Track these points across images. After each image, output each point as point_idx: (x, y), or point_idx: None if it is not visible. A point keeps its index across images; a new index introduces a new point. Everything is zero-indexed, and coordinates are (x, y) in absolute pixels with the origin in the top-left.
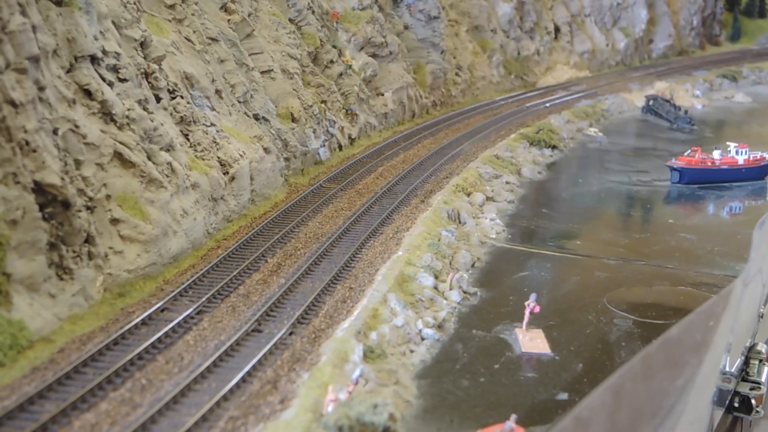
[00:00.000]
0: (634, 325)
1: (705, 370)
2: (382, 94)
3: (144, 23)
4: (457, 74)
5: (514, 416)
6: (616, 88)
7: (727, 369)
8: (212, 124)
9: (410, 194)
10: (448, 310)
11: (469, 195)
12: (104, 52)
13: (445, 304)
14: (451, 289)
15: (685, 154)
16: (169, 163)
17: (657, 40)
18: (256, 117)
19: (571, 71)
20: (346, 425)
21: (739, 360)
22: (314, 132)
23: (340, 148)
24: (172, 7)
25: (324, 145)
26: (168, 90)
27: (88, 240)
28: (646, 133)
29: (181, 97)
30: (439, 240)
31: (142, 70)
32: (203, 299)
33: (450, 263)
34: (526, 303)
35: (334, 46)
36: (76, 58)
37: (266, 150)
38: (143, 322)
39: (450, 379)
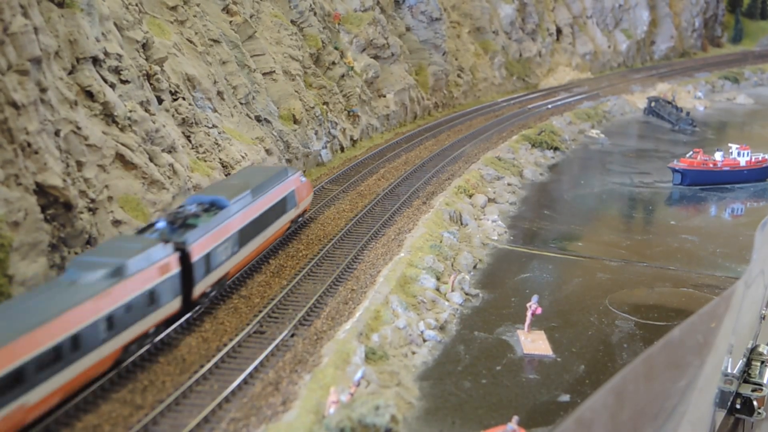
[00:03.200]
0: (636, 327)
1: (707, 372)
2: (384, 96)
3: (146, 25)
4: (458, 76)
5: (516, 418)
6: (617, 90)
7: (729, 370)
8: (214, 126)
9: (412, 196)
10: (449, 311)
11: (470, 196)
12: (106, 53)
13: (446, 305)
14: (452, 290)
15: (687, 155)
16: (171, 165)
17: (659, 42)
18: (257, 118)
19: (572, 73)
20: (347, 427)
21: (740, 361)
22: (316, 133)
23: (342, 149)
24: (174, 8)
25: (326, 147)
26: (170, 91)
27: (90, 241)
28: (648, 134)
29: (183, 98)
30: (440, 241)
31: (144, 72)
32: (205, 301)
33: (452, 265)
34: (527, 304)
35: (336, 48)
36: (77, 60)
37: (268, 151)
38: None
39: (452, 380)
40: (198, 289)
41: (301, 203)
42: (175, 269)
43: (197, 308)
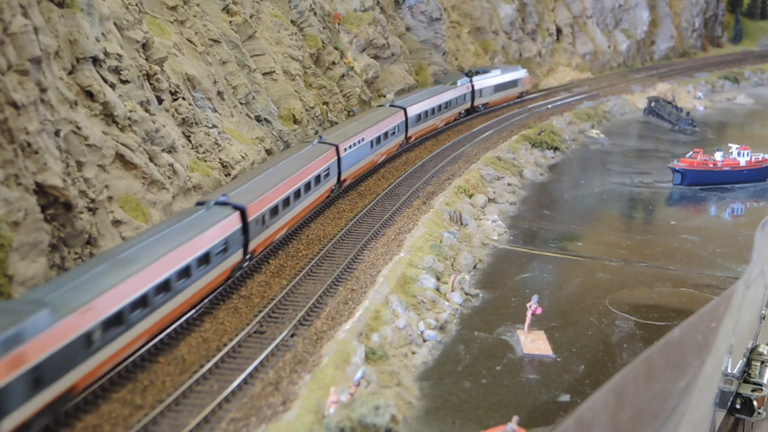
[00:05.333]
0: (636, 327)
1: (707, 372)
2: (384, 96)
3: (146, 25)
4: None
5: (516, 418)
6: (617, 90)
7: (729, 371)
8: (214, 126)
9: (412, 196)
10: (449, 311)
11: (470, 196)
12: (106, 53)
13: (446, 305)
14: (452, 290)
15: (687, 155)
16: (171, 165)
17: (659, 42)
18: (257, 118)
19: (572, 73)
20: (347, 427)
21: (741, 362)
22: (316, 133)
23: None
24: (173, 8)
25: None
26: (170, 91)
27: (90, 241)
28: (648, 134)
29: (183, 98)
30: (440, 241)
31: (144, 72)
32: (205, 301)
33: (452, 265)
34: (527, 304)
35: (336, 48)
36: (77, 60)
37: (268, 152)
38: None
39: (452, 380)
40: (475, 102)
41: (524, 86)
42: (470, 89)
43: (475, 113)
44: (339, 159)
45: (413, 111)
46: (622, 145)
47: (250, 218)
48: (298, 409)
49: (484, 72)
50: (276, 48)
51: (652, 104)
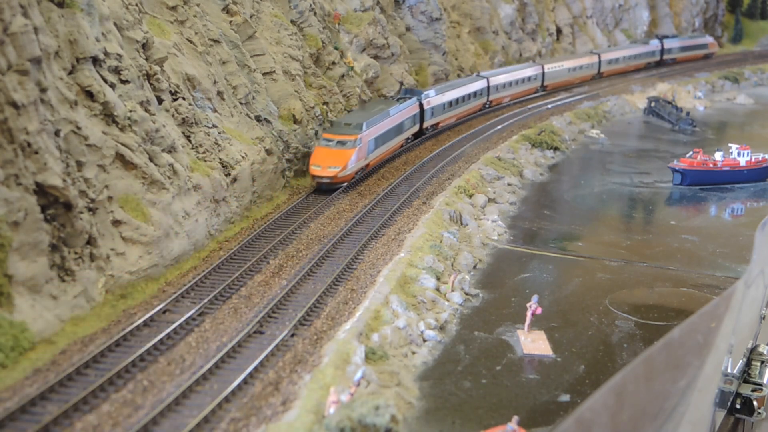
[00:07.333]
0: (636, 327)
1: (707, 372)
2: (384, 96)
3: (146, 25)
4: (459, 76)
5: (516, 418)
6: (617, 90)
7: (729, 371)
8: (214, 126)
9: (412, 196)
10: (449, 311)
11: (470, 196)
12: (106, 53)
13: (446, 305)
14: (452, 290)
15: (687, 155)
16: (171, 165)
17: None
18: (257, 118)
19: None
20: (347, 427)
21: (741, 362)
22: (316, 134)
23: None
24: (173, 8)
25: None
26: (170, 91)
27: (90, 241)
28: (648, 134)
29: (183, 98)
30: (440, 241)
31: (144, 72)
32: (205, 301)
33: (452, 265)
34: (527, 304)
35: (336, 48)
36: (77, 60)
37: (268, 151)
38: (145, 324)
39: (452, 380)
40: (664, 57)
41: (711, 49)
42: (659, 47)
43: (664, 64)
44: (544, 74)
45: (606, 57)
46: (622, 145)
47: (491, 84)
48: (298, 409)
49: (674, 36)
50: (276, 48)
51: (652, 104)
